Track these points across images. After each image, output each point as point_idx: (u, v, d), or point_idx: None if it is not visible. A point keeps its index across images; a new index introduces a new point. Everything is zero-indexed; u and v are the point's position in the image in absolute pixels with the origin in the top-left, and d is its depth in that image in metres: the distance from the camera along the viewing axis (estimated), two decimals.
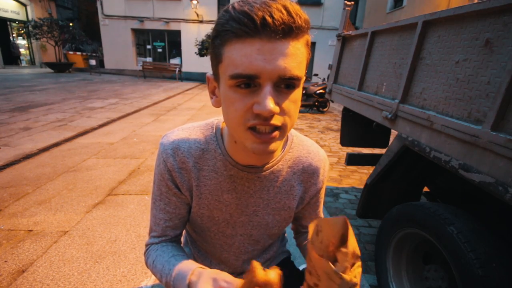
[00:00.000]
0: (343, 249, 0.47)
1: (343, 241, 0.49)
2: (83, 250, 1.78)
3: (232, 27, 0.41)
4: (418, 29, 1.25)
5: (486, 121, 0.86)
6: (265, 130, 0.45)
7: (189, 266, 0.55)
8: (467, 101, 0.97)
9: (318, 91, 7.46)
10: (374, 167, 1.63)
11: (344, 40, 2.34)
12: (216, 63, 0.47)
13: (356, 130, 2.50)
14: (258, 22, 0.39)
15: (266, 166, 0.61)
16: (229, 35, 0.42)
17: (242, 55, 0.41)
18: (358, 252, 0.49)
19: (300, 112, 8.00)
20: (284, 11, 0.40)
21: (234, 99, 0.45)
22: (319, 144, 0.69)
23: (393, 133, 1.89)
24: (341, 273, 0.45)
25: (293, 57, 0.42)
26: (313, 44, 14.28)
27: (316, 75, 9.19)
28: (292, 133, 0.67)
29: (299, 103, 0.49)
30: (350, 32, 2.19)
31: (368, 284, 1.65)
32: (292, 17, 0.41)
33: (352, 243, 0.48)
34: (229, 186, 0.62)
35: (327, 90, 2.63)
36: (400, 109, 1.36)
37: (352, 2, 2.19)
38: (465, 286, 0.94)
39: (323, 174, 0.69)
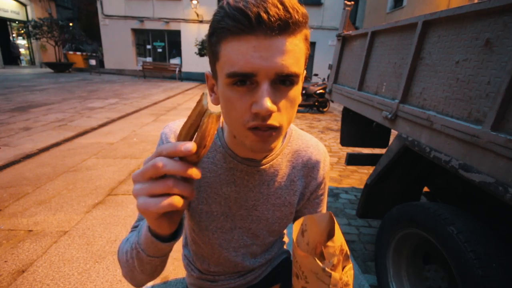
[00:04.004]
0: (329, 243, 0.43)
1: (330, 238, 0.45)
2: (83, 250, 1.78)
3: (228, 25, 0.41)
4: (418, 29, 1.25)
5: (486, 121, 0.86)
6: (264, 128, 0.45)
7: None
8: (467, 101, 0.97)
9: (318, 91, 7.47)
10: (374, 167, 1.63)
11: (344, 40, 2.34)
12: (213, 61, 0.47)
13: (356, 130, 2.50)
14: (253, 18, 0.39)
15: (265, 160, 0.61)
16: (224, 33, 0.42)
17: (238, 53, 0.41)
18: (346, 248, 0.45)
19: (300, 112, 8.00)
20: (280, 6, 0.39)
21: (232, 99, 0.44)
22: None
23: (393, 133, 1.89)
24: (330, 271, 0.41)
25: (291, 53, 0.42)
26: (313, 44, 14.27)
27: (316, 75, 9.20)
28: (291, 127, 0.67)
29: (298, 101, 0.48)
30: (350, 32, 2.19)
31: (368, 284, 1.64)
32: (289, 12, 0.40)
33: (339, 238, 0.44)
34: (228, 179, 0.62)
35: (327, 90, 2.63)
36: (400, 109, 1.36)
37: (352, 2, 2.19)
38: (465, 286, 0.94)
39: (323, 168, 0.68)
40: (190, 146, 0.34)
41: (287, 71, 0.42)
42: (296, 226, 0.48)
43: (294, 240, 0.46)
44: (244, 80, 0.42)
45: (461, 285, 0.96)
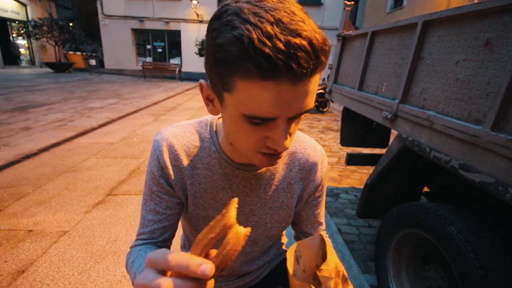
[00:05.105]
0: (323, 266, 0.42)
1: (324, 260, 0.44)
2: (83, 250, 1.78)
3: (249, 69, 0.35)
4: (418, 29, 1.25)
5: (486, 121, 0.86)
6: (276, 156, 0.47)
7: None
8: (467, 101, 0.97)
9: (318, 91, 7.46)
10: (374, 167, 1.63)
11: (344, 40, 2.34)
12: (221, 87, 0.41)
13: (356, 130, 2.50)
14: (282, 69, 0.34)
15: None
16: (244, 73, 0.36)
17: (260, 99, 0.37)
18: (342, 269, 0.44)
19: None
20: (309, 49, 0.35)
21: (245, 130, 0.43)
22: (319, 144, 0.69)
23: (393, 133, 1.89)
24: None
25: (312, 93, 0.40)
26: None
27: None
28: None
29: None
30: (350, 32, 2.19)
31: (368, 284, 1.65)
32: (318, 55, 0.36)
33: (333, 259, 0.43)
34: (224, 184, 0.61)
35: (327, 90, 2.63)
36: (400, 109, 1.36)
37: (352, 2, 2.19)
38: (465, 286, 0.94)
39: (321, 170, 0.67)
40: (208, 270, 0.30)
41: (306, 110, 0.41)
42: (290, 254, 0.47)
43: (291, 272, 0.45)
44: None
45: (461, 285, 0.96)
